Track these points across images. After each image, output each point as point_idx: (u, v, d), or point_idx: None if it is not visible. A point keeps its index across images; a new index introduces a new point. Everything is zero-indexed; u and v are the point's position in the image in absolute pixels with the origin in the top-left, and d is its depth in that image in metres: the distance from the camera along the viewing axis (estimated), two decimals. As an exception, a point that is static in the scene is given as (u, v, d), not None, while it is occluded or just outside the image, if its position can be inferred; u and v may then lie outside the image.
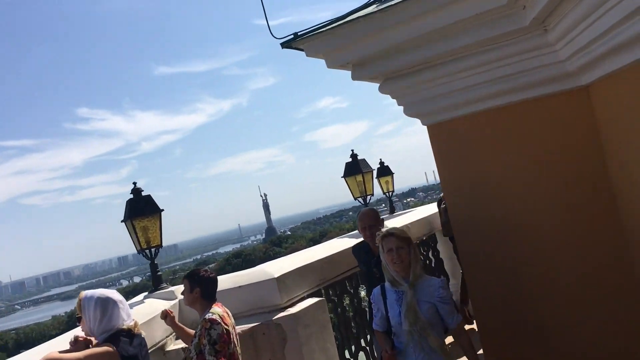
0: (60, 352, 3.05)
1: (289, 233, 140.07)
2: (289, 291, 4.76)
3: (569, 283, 4.11)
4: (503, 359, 4.48)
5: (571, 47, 3.68)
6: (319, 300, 4.87)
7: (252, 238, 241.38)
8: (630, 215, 3.77)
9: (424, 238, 7.88)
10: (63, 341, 3.56)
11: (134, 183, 4.92)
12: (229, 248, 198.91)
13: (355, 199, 7.64)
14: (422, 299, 3.61)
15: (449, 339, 3.94)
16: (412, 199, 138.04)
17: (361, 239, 5.01)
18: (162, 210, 4.88)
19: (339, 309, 5.62)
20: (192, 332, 3.93)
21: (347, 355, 5.53)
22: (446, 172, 4.64)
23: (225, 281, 4.85)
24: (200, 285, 3.85)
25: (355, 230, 8.16)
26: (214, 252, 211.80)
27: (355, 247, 5.01)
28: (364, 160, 7.58)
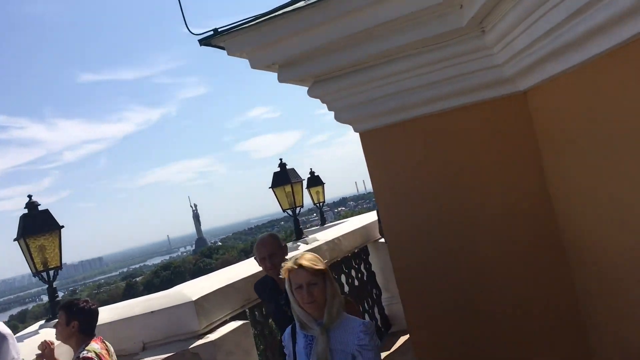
0: None
1: (220, 244, 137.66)
2: (209, 315, 4.29)
3: (504, 289, 3.93)
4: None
5: (508, 50, 3.48)
6: (243, 324, 4.44)
7: (182, 249, 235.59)
8: (567, 221, 3.64)
9: (356, 250, 7.59)
10: None
11: (29, 196, 4.29)
12: (157, 260, 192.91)
13: (284, 210, 7.23)
14: (337, 347, 2.79)
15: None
16: (344, 208, 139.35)
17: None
18: (62, 227, 4.28)
19: (267, 332, 5.18)
20: None
21: (274, 381, 5.11)
22: (378, 181, 4.35)
23: (136, 306, 4.33)
24: (79, 318, 3.42)
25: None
26: (142, 264, 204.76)
27: (257, 285, 4.13)
28: (293, 169, 7.19)
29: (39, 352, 3.54)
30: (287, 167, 7.12)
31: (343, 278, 7.13)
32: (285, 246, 4.04)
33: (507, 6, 3.11)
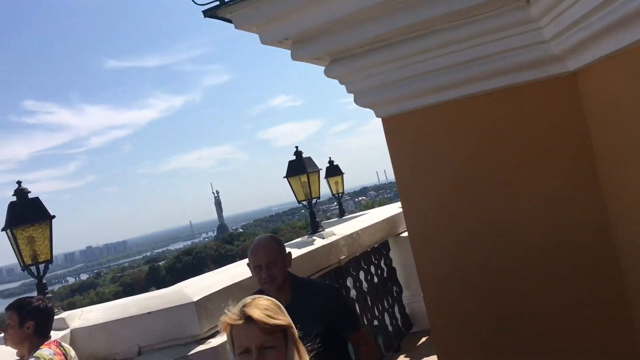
0: None
1: (241, 230, 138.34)
2: (212, 317, 3.88)
3: (545, 290, 3.46)
4: None
5: (557, 24, 2.99)
6: (249, 327, 4.02)
7: (204, 235, 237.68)
8: (619, 219, 3.16)
9: (376, 245, 7.14)
10: None
11: (18, 182, 3.92)
12: (179, 245, 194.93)
13: (299, 202, 6.78)
14: None
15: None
16: (364, 197, 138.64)
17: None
18: (53, 217, 3.90)
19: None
20: None
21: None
22: (402, 172, 3.89)
23: (132, 306, 3.95)
24: (35, 319, 3.03)
25: (300, 237, 7.36)
26: (165, 248, 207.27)
27: None
28: (309, 158, 6.71)
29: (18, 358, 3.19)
30: (304, 155, 6.67)
31: (362, 275, 6.71)
32: (289, 254, 3.13)
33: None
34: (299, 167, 6.59)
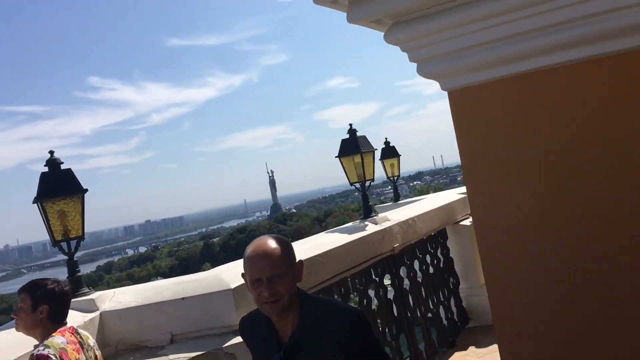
0: None
1: (294, 211, 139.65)
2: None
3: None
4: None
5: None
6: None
7: (257, 214, 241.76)
8: None
9: (433, 233, 6.66)
10: None
11: (51, 152, 3.67)
12: (233, 223, 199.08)
13: (351, 184, 6.34)
14: None
15: None
16: (419, 182, 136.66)
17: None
18: (86, 190, 3.65)
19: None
20: None
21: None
22: (468, 152, 3.39)
23: (166, 289, 3.68)
24: (49, 302, 2.75)
25: (351, 221, 6.95)
26: (219, 225, 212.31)
27: (243, 324, 2.62)
28: (364, 137, 6.22)
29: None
30: (358, 134, 6.21)
31: (416, 264, 6.27)
32: (301, 263, 2.30)
33: None
34: (353, 146, 6.14)
